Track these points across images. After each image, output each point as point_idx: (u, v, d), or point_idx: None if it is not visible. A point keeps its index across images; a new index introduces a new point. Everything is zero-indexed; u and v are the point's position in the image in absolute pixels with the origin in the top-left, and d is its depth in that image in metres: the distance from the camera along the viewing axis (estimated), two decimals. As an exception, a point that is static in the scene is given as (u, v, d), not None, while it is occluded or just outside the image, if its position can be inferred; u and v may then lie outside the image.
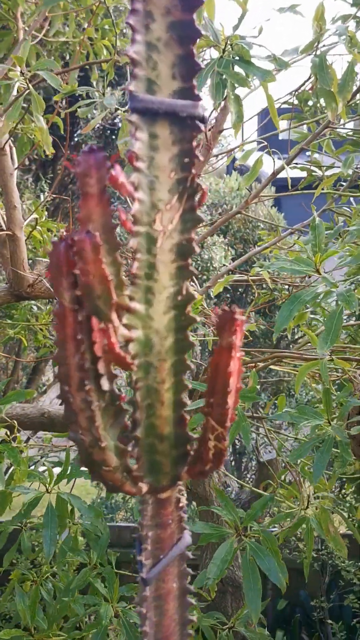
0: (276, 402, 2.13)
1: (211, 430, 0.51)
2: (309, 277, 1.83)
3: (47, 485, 1.57)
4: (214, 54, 1.41)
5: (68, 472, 1.62)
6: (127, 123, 0.42)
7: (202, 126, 0.45)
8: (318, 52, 1.47)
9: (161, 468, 0.53)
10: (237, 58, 1.20)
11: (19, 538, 1.77)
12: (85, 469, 0.51)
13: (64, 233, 0.44)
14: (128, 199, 0.45)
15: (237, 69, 1.24)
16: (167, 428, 0.52)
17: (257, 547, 1.46)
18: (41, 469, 1.95)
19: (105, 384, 0.50)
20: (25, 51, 1.35)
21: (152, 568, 0.54)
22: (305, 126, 2.09)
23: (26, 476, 1.58)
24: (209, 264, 4.74)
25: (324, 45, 1.52)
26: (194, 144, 0.46)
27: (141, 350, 0.49)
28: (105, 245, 0.45)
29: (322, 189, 1.94)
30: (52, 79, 1.36)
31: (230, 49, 1.22)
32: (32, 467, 1.94)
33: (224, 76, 1.19)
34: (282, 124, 2.12)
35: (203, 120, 0.45)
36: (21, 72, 1.40)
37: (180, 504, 0.55)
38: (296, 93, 1.70)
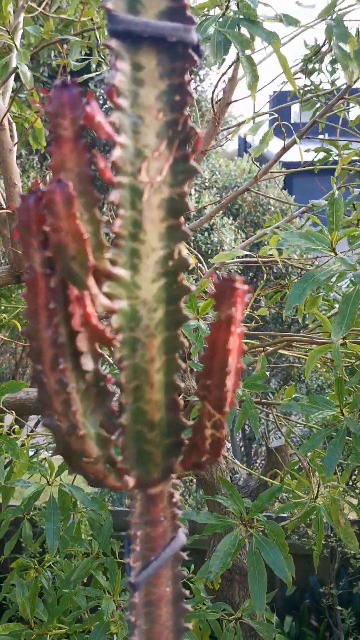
0: (285, 392, 2.07)
1: (208, 417, 0.44)
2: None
3: (48, 477, 1.52)
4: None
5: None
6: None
7: (196, 57, 0.38)
8: (334, 16, 1.38)
9: (151, 459, 0.46)
10: (241, 17, 1.11)
11: (20, 527, 1.73)
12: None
13: (35, 185, 0.37)
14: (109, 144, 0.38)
15: (241, 29, 1.15)
16: (158, 414, 0.45)
17: (262, 539, 1.40)
18: (44, 455, 1.90)
19: (87, 363, 0.43)
20: (6, 4, 1.26)
21: (142, 571, 0.47)
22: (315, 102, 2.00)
23: (26, 468, 1.53)
24: (219, 247, 4.66)
25: (339, 10, 1.42)
26: (186, 78, 0.39)
27: (126, 324, 0.42)
28: (81, 198, 0.38)
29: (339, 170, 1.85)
30: (33, 29, 1.28)
31: (236, 7, 1.14)
32: (35, 454, 1.89)
33: (226, 36, 1.11)
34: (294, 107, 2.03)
35: (198, 49, 0.38)
36: (6, 28, 1.32)
37: (174, 499, 0.48)
38: (307, 59, 1.61)
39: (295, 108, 2.11)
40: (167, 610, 0.50)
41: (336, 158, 2.18)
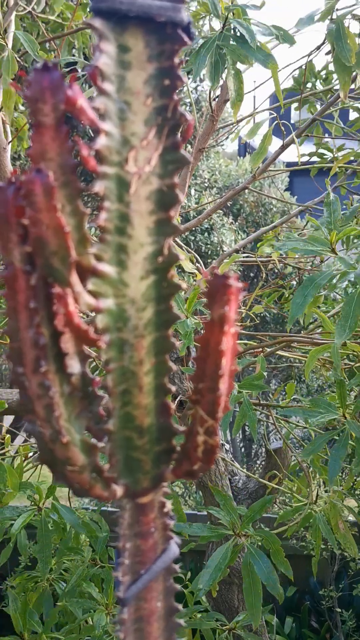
0: (286, 388, 2.04)
1: (200, 422, 0.42)
2: (321, 261, 1.73)
3: (38, 502, 1.49)
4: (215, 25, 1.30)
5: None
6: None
7: (186, 38, 0.36)
8: (334, 16, 1.36)
9: (140, 467, 0.44)
10: (238, 35, 1.09)
11: (14, 536, 1.70)
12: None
13: (13, 175, 0.35)
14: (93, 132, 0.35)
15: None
16: (147, 419, 0.43)
17: (255, 552, 1.37)
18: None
19: (72, 366, 0.41)
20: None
21: (131, 585, 0.45)
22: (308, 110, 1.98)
23: (18, 490, 1.48)
24: (219, 248, 4.64)
25: (337, 10, 1.40)
26: (176, 61, 0.36)
27: (113, 324, 0.39)
28: (63, 189, 0.35)
29: (336, 169, 1.82)
30: (29, 43, 1.26)
31: (231, 24, 1.11)
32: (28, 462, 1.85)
33: (223, 50, 1.08)
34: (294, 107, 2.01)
35: (188, 30, 0.35)
36: None
37: (165, 509, 0.46)
38: (302, 67, 1.59)
39: (294, 107, 2.08)
40: (158, 626, 0.47)
41: (331, 159, 2.16)
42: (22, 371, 0.38)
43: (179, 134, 0.38)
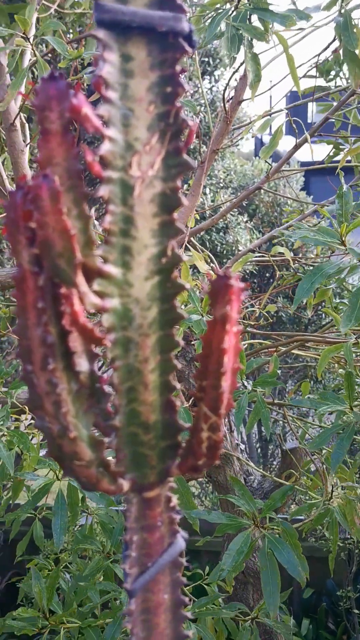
0: (301, 387, 2.05)
1: (204, 419, 0.43)
2: (332, 252, 1.73)
3: (57, 472, 1.51)
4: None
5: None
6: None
7: (187, 46, 0.37)
8: (342, 10, 1.36)
9: (147, 462, 0.45)
10: (252, 7, 1.09)
11: (31, 527, 1.73)
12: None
13: (22, 180, 0.36)
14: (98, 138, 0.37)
15: (254, 19, 1.13)
16: (153, 415, 0.44)
17: (275, 540, 1.38)
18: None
19: (80, 364, 0.42)
20: (31, 14, 1.26)
21: (138, 577, 0.46)
22: (330, 98, 1.98)
23: (36, 462, 1.53)
24: (234, 247, 4.64)
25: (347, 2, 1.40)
26: (178, 68, 0.37)
27: (118, 323, 0.41)
28: (69, 193, 0.37)
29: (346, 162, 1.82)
30: (58, 44, 1.28)
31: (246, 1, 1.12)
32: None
33: (240, 31, 1.09)
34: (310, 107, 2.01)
35: (190, 39, 0.37)
36: (26, 36, 1.32)
37: (171, 504, 0.47)
38: (318, 60, 1.59)
39: (311, 107, 2.08)
40: (165, 617, 0.48)
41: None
42: (31, 369, 0.40)
43: (181, 139, 0.39)
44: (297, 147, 1.60)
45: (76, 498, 1.51)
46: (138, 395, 0.43)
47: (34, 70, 1.64)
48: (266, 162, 1.52)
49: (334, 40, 1.52)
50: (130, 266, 0.40)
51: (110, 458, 0.43)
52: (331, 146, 1.99)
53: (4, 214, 0.38)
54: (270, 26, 1.16)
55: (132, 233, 0.39)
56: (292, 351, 1.80)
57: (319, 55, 1.61)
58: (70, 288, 0.37)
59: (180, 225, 0.41)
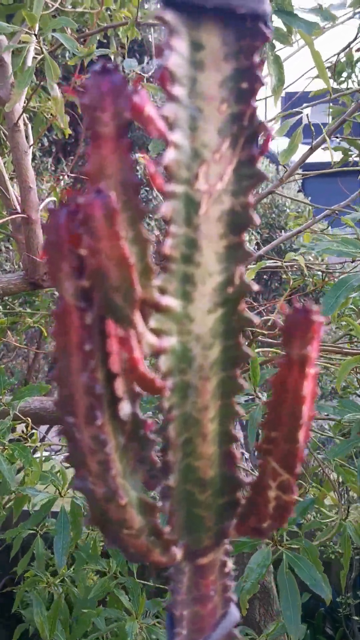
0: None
1: (272, 476, 0.36)
2: (353, 261, 1.67)
3: (60, 488, 1.44)
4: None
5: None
6: (159, 24, 0.27)
7: (268, 32, 0.30)
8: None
9: (202, 524, 0.38)
10: (276, 9, 1.03)
11: (32, 545, 1.66)
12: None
13: (65, 196, 0.29)
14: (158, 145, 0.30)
15: (276, 22, 1.07)
16: (211, 470, 0.37)
17: (296, 557, 1.31)
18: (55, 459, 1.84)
19: (124, 408, 0.35)
20: (39, 9, 1.19)
21: (189, 656, 0.39)
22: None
23: (38, 478, 1.46)
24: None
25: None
26: (256, 59, 0.31)
27: (176, 366, 0.34)
28: (125, 211, 0.30)
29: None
30: (68, 41, 1.21)
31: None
32: (46, 461, 1.82)
33: None
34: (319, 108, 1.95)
35: (266, 22, 0.30)
36: (34, 33, 1.25)
37: (226, 569, 0.40)
38: (338, 58, 1.52)
39: (319, 108, 2.02)
40: None
41: (356, 159, 2.09)
42: (73, 421, 0.33)
43: (255, 146, 0.32)
44: (312, 149, 1.54)
45: (79, 516, 1.44)
46: (195, 448, 0.36)
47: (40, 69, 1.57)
48: (283, 166, 1.46)
49: (354, 40, 1.45)
50: (192, 297, 0.33)
51: (161, 524, 0.36)
52: (334, 147, 1.93)
53: (46, 234, 0.31)
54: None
55: (196, 258, 0.33)
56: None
57: (338, 54, 1.55)
58: (127, 328, 0.30)
59: (249, 248, 0.34)
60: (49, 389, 1.91)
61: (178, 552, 0.37)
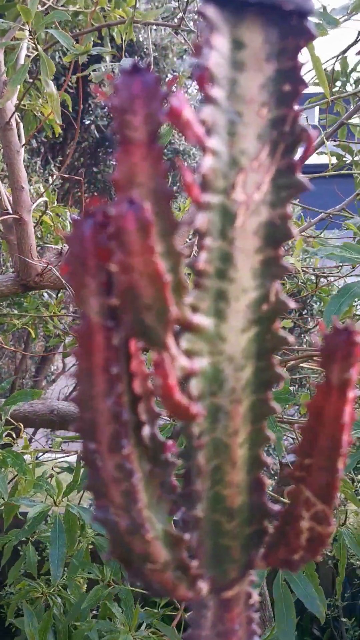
0: (300, 399, 1.97)
1: (306, 506, 0.34)
2: (354, 267, 1.65)
3: (55, 497, 1.41)
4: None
5: (79, 482, 1.46)
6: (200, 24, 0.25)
7: (313, 30, 0.28)
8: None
9: (229, 556, 0.36)
10: None
11: (23, 552, 1.62)
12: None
13: (91, 206, 0.27)
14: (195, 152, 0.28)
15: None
16: (239, 498, 0.35)
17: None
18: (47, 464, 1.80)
19: (146, 430, 0.33)
20: (34, 4, 1.16)
21: None
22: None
23: (32, 486, 1.42)
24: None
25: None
26: (300, 60, 0.28)
27: (207, 389, 0.32)
28: (159, 224, 0.27)
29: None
30: (63, 37, 1.18)
31: None
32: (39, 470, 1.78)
33: None
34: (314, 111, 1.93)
35: (308, 20, 0.28)
36: (29, 29, 1.22)
37: (251, 601, 0.38)
38: (337, 59, 1.51)
39: (314, 112, 2.01)
40: None
41: (350, 164, 2.08)
42: (96, 448, 0.31)
43: (296, 153, 0.30)
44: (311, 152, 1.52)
45: (74, 526, 1.41)
46: (224, 475, 0.34)
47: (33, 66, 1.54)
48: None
49: (353, 43, 1.44)
50: (225, 316, 0.31)
51: (187, 557, 0.33)
52: (334, 155, 1.92)
53: (68, 247, 0.28)
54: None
55: (230, 274, 0.30)
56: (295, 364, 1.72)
57: (337, 57, 1.53)
58: (160, 351, 0.27)
59: (285, 263, 0.32)
60: (41, 394, 1.87)
61: (204, 587, 0.34)
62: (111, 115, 0.27)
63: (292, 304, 0.32)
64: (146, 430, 0.33)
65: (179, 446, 0.36)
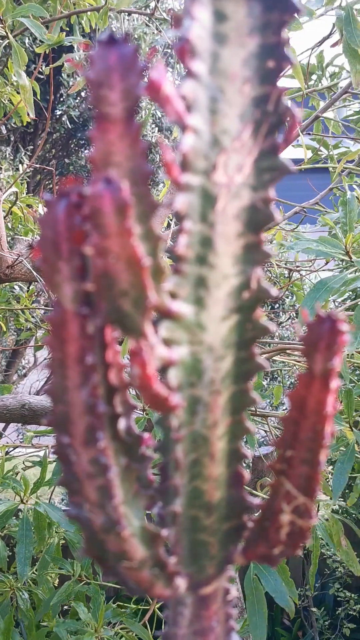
0: (274, 391, 1.98)
1: (286, 498, 0.33)
2: (328, 261, 1.66)
3: (22, 494, 1.38)
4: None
5: (47, 479, 1.44)
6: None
7: (299, 5, 0.27)
8: (344, 4, 1.28)
9: (207, 552, 0.35)
10: None
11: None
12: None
13: (64, 186, 0.25)
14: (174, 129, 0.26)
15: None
16: (218, 492, 0.34)
17: (262, 566, 1.29)
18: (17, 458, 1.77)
19: (122, 423, 0.31)
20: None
21: None
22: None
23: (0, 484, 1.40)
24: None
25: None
26: (284, 36, 0.27)
27: (186, 380, 0.30)
28: (136, 205, 0.26)
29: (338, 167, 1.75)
30: (35, 26, 1.15)
31: None
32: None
33: None
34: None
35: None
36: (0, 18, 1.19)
37: (229, 597, 0.37)
38: (313, 51, 1.50)
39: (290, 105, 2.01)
40: None
41: (325, 158, 2.09)
42: (69, 442, 0.29)
43: (280, 134, 0.29)
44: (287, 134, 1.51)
45: (43, 524, 1.39)
46: (203, 469, 0.33)
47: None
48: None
49: (328, 36, 1.44)
50: (205, 303, 0.30)
51: (164, 554, 0.32)
52: (309, 149, 1.92)
53: (40, 231, 0.26)
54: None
55: (211, 259, 0.29)
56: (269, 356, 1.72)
57: (312, 49, 1.53)
58: (137, 339, 0.26)
59: (267, 249, 0.30)
60: (11, 389, 1.84)
61: (182, 584, 0.33)
62: (84, 104, 0.25)
63: (274, 292, 0.31)
64: (122, 423, 0.32)
65: (155, 439, 0.34)
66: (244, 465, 0.34)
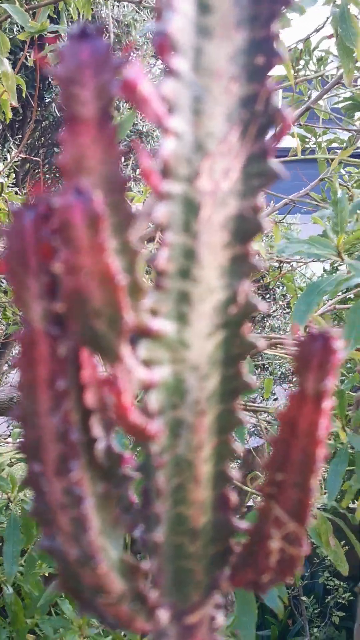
0: (264, 384, 1.97)
1: (276, 524, 0.31)
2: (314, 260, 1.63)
3: (10, 492, 1.36)
4: None
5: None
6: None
7: (291, -4, 0.24)
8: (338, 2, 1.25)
9: (191, 579, 0.33)
10: None
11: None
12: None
13: (32, 195, 0.23)
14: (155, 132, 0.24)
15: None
16: (203, 517, 0.32)
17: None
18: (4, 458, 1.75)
19: (100, 445, 0.29)
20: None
21: None
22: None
23: None
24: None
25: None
26: (275, 29, 0.25)
27: (168, 401, 0.28)
28: (112, 216, 0.24)
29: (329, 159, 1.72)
30: (19, 14, 1.12)
31: None
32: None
33: None
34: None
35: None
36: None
37: (215, 625, 0.35)
38: (298, 41, 1.47)
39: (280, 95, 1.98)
40: None
41: (313, 146, 2.07)
42: (41, 470, 0.27)
43: (270, 137, 0.26)
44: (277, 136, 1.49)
45: (30, 522, 1.37)
46: (187, 494, 0.30)
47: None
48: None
49: (322, 26, 1.41)
50: (188, 320, 0.27)
51: (145, 586, 0.30)
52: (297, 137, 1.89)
53: (4, 244, 0.24)
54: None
55: (195, 273, 0.27)
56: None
57: (302, 41, 1.50)
58: (112, 363, 0.24)
59: (256, 260, 0.28)
60: (0, 382, 1.81)
61: (164, 616, 0.31)
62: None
63: (263, 306, 0.28)
64: (101, 445, 0.29)
65: (137, 458, 0.32)
66: (234, 459, 0.32)
